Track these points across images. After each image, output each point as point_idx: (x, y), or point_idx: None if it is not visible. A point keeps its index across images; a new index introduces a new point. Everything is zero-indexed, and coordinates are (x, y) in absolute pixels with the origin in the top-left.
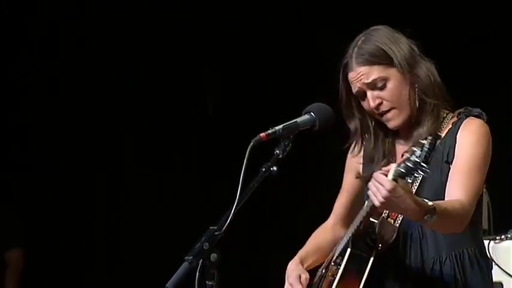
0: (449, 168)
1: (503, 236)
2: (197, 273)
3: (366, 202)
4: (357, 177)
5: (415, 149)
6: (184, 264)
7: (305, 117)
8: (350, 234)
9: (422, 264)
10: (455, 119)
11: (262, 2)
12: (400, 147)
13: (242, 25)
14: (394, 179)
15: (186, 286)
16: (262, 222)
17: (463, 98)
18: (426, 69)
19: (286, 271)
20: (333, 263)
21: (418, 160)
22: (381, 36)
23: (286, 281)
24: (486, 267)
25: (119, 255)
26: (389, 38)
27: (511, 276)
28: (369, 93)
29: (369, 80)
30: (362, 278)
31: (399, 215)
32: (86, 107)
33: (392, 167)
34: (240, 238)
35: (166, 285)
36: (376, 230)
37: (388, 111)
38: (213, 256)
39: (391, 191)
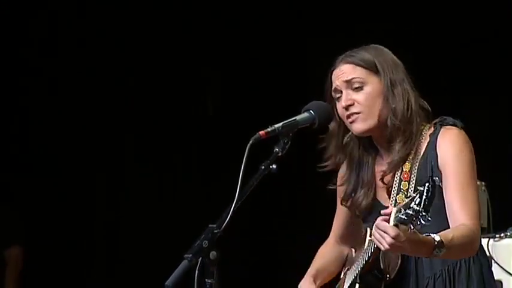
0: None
1: (502, 234)
2: (196, 271)
3: (367, 242)
4: (342, 204)
5: (414, 195)
6: (184, 262)
7: (304, 115)
8: (357, 270)
9: (416, 284)
10: (431, 130)
11: (262, 1)
12: (378, 169)
13: (242, 25)
14: (396, 225)
15: (185, 284)
16: (263, 220)
17: (463, 97)
18: (403, 93)
19: None
20: None
21: (418, 208)
22: (378, 52)
23: None
24: (478, 275)
25: (118, 253)
26: (385, 56)
27: (510, 275)
28: (344, 93)
29: (348, 78)
30: None
31: None
32: (86, 107)
33: (392, 212)
34: (239, 236)
35: (166, 283)
36: (381, 260)
37: (356, 114)
38: (213, 254)
39: (396, 238)
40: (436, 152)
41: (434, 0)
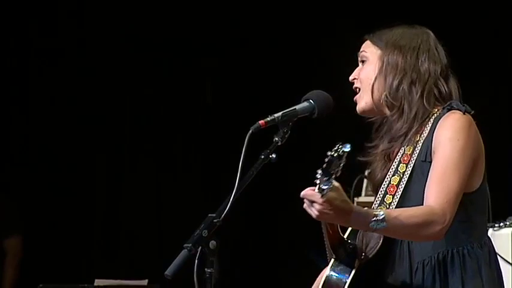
0: (429, 167)
1: (502, 224)
2: (196, 261)
3: None
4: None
5: (326, 159)
6: (184, 252)
7: (304, 104)
8: (326, 242)
9: (410, 269)
10: (437, 113)
11: None
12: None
13: (241, 14)
14: (320, 192)
15: (185, 274)
16: (261, 213)
17: (463, 91)
18: (402, 73)
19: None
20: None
21: (320, 173)
22: (403, 32)
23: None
24: (479, 266)
25: (118, 243)
26: (409, 37)
27: (509, 264)
28: (358, 67)
29: (360, 51)
30: None
31: None
32: (85, 97)
33: (318, 181)
34: (238, 227)
35: (166, 272)
36: (357, 238)
37: (358, 91)
38: (212, 243)
39: (322, 203)
40: (433, 135)
41: (434, 1)
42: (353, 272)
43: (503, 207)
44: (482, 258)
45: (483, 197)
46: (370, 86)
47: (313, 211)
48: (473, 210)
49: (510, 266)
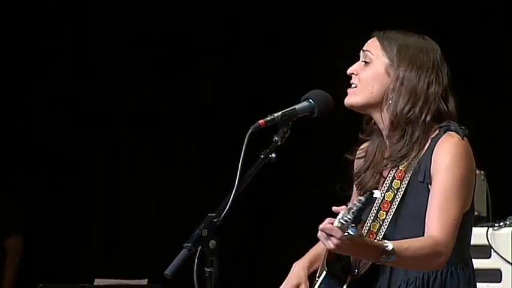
0: (426, 188)
1: (501, 223)
2: (196, 260)
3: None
4: (353, 180)
5: (356, 203)
6: (183, 251)
7: (304, 104)
8: (324, 257)
9: (388, 286)
10: (435, 133)
11: None
12: (382, 155)
13: (241, 14)
14: (340, 228)
15: (185, 273)
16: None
17: (463, 87)
18: (414, 97)
19: (291, 269)
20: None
21: (351, 217)
22: (413, 45)
23: (285, 281)
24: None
25: (118, 243)
26: (415, 52)
27: (509, 263)
28: (359, 61)
29: (365, 48)
30: None
31: (379, 234)
32: (85, 97)
33: (340, 214)
34: (237, 227)
35: (165, 272)
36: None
37: (353, 86)
38: (212, 243)
39: (340, 239)
40: (431, 157)
41: (434, 1)
42: (345, 287)
43: (503, 207)
44: (463, 277)
45: (472, 216)
46: (369, 93)
47: (330, 244)
48: (464, 230)
49: (510, 266)
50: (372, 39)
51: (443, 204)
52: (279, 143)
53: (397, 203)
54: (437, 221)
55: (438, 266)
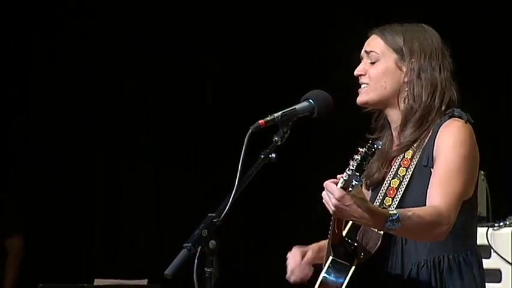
0: (429, 173)
1: (501, 223)
2: (196, 260)
3: None
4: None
5: (355, 156)
6: (183, 251)
7: (304, 104)
8: (329, 240)
9: (402, 270)
10: (439, 120)
11: None
12: (392, 147)
13: (241, 14)
14: (343, 188)
15: (185, 273)
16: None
17: (464, 86)
18: (432, 82)
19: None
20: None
21: (353, 168)
22: (416, 35)
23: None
24: (473, 274)
25: (119, 243)
26: (421, 41)
27: (509, 263)
28: (363, 61)
29: (367, 49)
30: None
31: None
32: (85, 97)
33: (343, 175)
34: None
35: (165, 272)
36: (357, 237)
37: (365, 85)
38: (212, 243)
39: (340, 199)
40: (435, 141)
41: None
42: (351, 270)
43: (502, 207)
44: (476, 265)
45: (475, 206)
46: (382, 89)
47: (330, 205)
48: (467, 218)
49: (510, 266)
50: (371, 38)
51: (446, 178)
52: (279, 143)
53: (402, 189)
54: (439, 192)
55: (439, 236)
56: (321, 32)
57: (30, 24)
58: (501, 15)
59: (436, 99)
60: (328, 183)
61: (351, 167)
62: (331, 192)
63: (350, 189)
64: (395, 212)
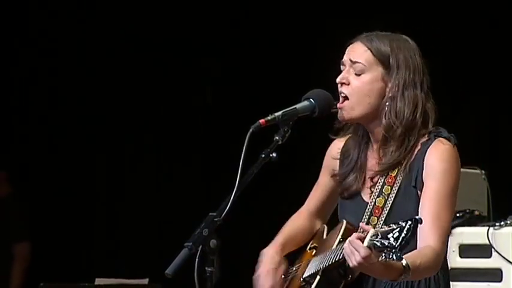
0: (416, 194)
1: (502, 223)
2: (196, 260)
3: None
4: (332, 177)
5: (394, 227)
6: (184, 251)
7: (304, 103)
8: (323, 265)
9: (373, 286)
10: (425, 139)
11: None
12: (371, 161)
13: (241, 14)
14: (369, 247)
15: (185, 273)
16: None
17: (464, 86)
18: (414, 99)
19: (263, 256)
20: (302, 280)
21: (394, 244)
22: (401, 46)
23: (260, 266)
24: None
25: (119, 244)
26: (406, 53)
27: (510, 263)
28: (346, 69)
29: (353, 59)
30: None
31: None
32: (85, 97)
33: (369, 233)
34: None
35: (166, 271)
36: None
37: (345, 98)
38: (213, 242)
39: (365, 259)
40: (423, 163)
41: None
42: None
43: (503, 206)
44: (443, 281)
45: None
46: (366, 105)
47: (353, 261)
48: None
49: (511, 265)
50: (357, 46)
51: (438, 213)
52: (280, 143)
53: (387, 208)
54: (434, 231)
55: (434, 273)
56: (322, 31)
57: (31, 24)
58: (501, 15)
59: (417, 117)
60: (354, 240)
61: (392, 240)
62: (356, 250)
63: (383, 257)
64: (406, 263)
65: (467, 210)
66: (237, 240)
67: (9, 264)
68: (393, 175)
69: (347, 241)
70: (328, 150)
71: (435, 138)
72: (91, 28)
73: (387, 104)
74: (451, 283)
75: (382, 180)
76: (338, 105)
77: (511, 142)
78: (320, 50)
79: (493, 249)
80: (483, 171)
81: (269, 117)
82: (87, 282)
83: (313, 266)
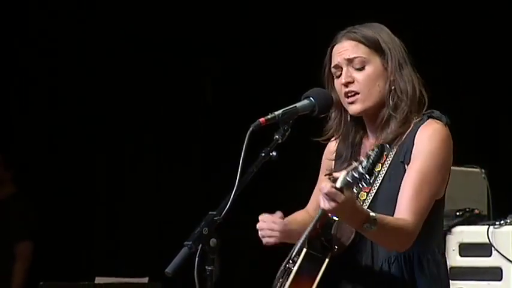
0: (403, 169)
1: (502, 221)
2: (196, 259)
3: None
4: (326, 175)
5: (362, 159)
6: (184, 249)
7: (304, 102)
8: (307, 233)
9: (372, 264)
10: (418, 119)
11: None
12: (367, 147)
13: (241, 13)
14: (342, 187)
15: (185, 271)
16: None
17: (464, 84)
18: (411, 76)
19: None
20: (290, 261)
21: (362, 171)
22: (381, 30)
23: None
24: (439, 272)
25: (119, 242)
26: (388, 35)
27: (510, 261)
28: (345, 69)
29: (351, 56)
30: (315, 279)
31: None
32: (85, 97)
33: (342, 174)
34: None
35: (166, 270)
36: (332, 231)
37: (354, 94)
38: (213, 241)
39: (338, 199)
40: (414, 140)
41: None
42: (325, 263)
43: (504, 205)
44: (443, 262)
45: (443, 205)
46: (376, 91)
47: (326, 204)
48: (436, 216)
49: (511, 264)
50: (347, 44)
51: (417, 190)
52: (280, 141)
53: (377, 185)
54: (410, 205)
55: (403, 247)
56: (322, 30)
57: (31, 24)
58: (501, 15)
59: (417, 92)
60: (326, 186)
61: (360, 169)
62: (329, 194)
63: (355, 189)
64: (374, 214)
65: (467, 209)
66: (237, 239)
67: (10, 264)
68: (385, 154)
69: (324, 191)
70: (324, 152)
71: (427, 119)
72: (91, 28)
73: (392, 87)
74: (451, 282)
75: None
76: (348, 100)
77: (511, 141)
78: (320, 49)
79: (493, 248)
80: (483, 170)
81: (269, 116)
82: (87, 281)
83: (300, 240)
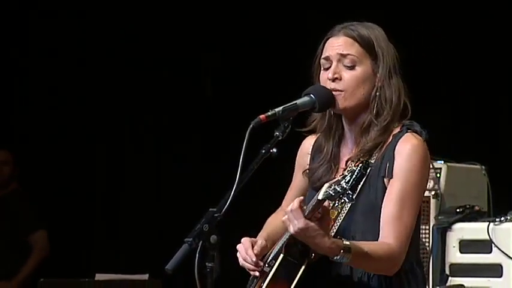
0: (383, 182)
1: (502, 218)
2: (197, 255)
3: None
4: (303, 173)
5: (346, 173)
6: (184, 246)
7: (305, 98)
8: (285, 239)
9: (351, 275)
10: (397, 130)
11: None
12: (345, 151)
13: (241, 9)
14: (323, 199)
15: (186, 268)
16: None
17: (464, 83)
18: (399, 86)
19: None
20: (267, 265)
21: (346, 187)
22: (379, 33)
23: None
24: (417, 284)
25: (119, 238)
26: (385, 41)
27: (510, 258)
28: (335, 64)
29: (344, 52)
30: (291, 286)
31: (335, 225)
32: (85, 93)
33: (324, 187)
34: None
35: (166, 267)
36: None
37: (339, 91)
38: (213, 238)
39: (303, 230)
40: (394, 155)
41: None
42: (301, 269)
43: (504, 201)
44: (421, 276)
45: (420, 218)
46: (360, 94)
47: (290, 228)
48: (415, 232)
49: (511, 261)
50: (343, 40)
51: (399, 212)
52: (280, 138)
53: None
54: (393, 230)
55: (390, 272)
56: (322, 29)
57: (31, 23)
58: (501, 15)
59: (401, 102)
60: (295, 209)
61: (343, 183)
62: (296, 219)
63: (336, 203)
64: (347, 245)
65: (468, 206)
66: (237, 235)
67: (20, 259)
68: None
69: (288, 208)
70: (299, 149)
71: (407, 131)
72: (91, 26)
73: (377, 93)
74: (451, 278)
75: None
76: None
77: (511, 137)
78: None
79: (493, 245)
80: (483, 167)
81: (269, 113)
82: (87, 277)
83: (277, 246)
